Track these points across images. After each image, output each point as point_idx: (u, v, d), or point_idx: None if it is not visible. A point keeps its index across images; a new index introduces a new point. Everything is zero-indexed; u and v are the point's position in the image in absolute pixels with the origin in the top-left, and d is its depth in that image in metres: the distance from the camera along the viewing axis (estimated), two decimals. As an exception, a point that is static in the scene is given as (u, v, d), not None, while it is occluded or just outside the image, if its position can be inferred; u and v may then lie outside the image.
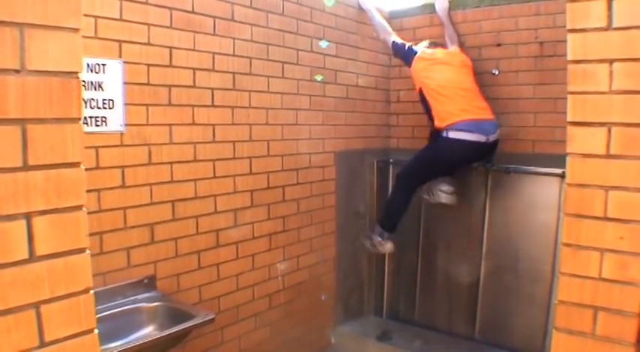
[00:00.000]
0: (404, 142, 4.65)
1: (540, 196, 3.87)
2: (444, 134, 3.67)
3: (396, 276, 4.71)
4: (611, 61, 1.60)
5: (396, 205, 4.00)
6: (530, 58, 4.07)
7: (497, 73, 4.22)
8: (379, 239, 4.00)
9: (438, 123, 3.73)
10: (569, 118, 1.68)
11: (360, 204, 4.43)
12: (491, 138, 3.66)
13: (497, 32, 4.23)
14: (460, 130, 3.61)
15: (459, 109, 3.65)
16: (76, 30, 1.16)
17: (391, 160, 4.60)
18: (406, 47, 4.00)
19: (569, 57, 1.67)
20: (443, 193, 4.02)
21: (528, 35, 4.07)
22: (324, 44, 3.81)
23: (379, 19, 4.19)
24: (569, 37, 1.67)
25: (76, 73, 1.15)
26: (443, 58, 3.89)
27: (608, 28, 1.60)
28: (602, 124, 1.62)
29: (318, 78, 3.78)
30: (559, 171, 3.52)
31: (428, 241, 4.51)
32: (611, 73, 1.60)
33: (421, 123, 4.53)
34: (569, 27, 1.67)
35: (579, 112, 1.66)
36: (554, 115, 3.88)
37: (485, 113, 3.72)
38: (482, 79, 4.27)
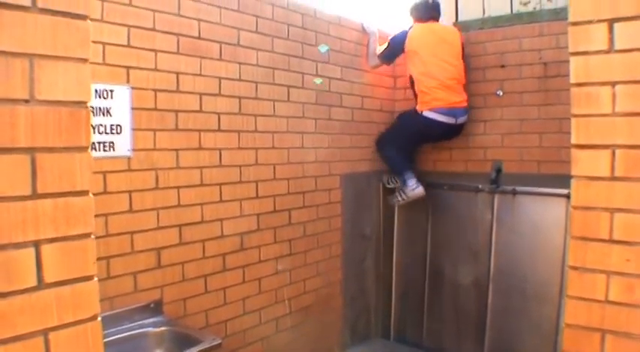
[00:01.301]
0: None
1: (547, 217, 3.86)
2: (420, 112, 4.12)
3: (403, 299, 4.68)
4: (613, 84, 1.62)
5: (392, 157, 4.31)
6: (535, 79, 4.09)
7: (501, 94, 4.24)
8: (408, 184, 4.20)
9: (419, 107, 4.15)
10: (573, 141, 1.68)
11: (367, 227, 4.43)
12: (459, 120, 4.13)
13: (501, 53, 4.27)
14: (434, 112, 4.06)
15: (438, 98, 4.06)
16: (84, 60, 1.18)
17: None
18: (391, 45, 4.21)
19: (572, 80, 1.69)
20: (411, 191, 4.20)
21: (532, 56, 4.10)
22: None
23: (376, 46, 4.27)
24: (572, 60, 1.69)
25: (85, 102, 1.18)
26: (436, 44, 4.12)
27: (610, 50, 1.62)
28: (606, 147, 1.63)
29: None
30: (565, 191, 3.51)
31: (435, 263, 4.49)
32: (614, 96, 1.61)
33: (427, 145, 4.55)
34: (571, 50, 1.69)
35: (583, 135, 1.67)
36: (559, 135, 3.89)
37: (459, 102, 4.12)
38: (487, 101, 4.30)
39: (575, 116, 1.69)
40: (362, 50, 4.27)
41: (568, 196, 3.25)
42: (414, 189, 4.17)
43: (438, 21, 4.25)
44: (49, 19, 1.15)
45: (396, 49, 4.19)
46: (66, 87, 1.15)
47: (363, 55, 4.29)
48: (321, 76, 3.83)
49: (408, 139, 4.33)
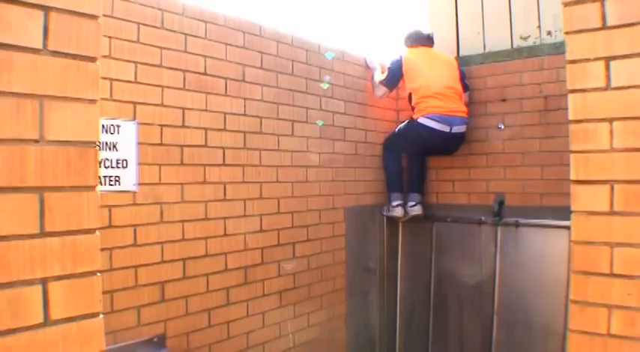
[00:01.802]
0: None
1: (550, 249, 3.86)
2: (416, 119, 4.21)
3: (407, 332, 4.65)
4: (611, 120, 1.64)
5: (392, 166, 4.44)
6: (536, 112, 4.14)
7: (502, 127, 4.28)
8: (392, 203, 4.39)
9: (415, 115, 4.25)
10: (572, 177, 1.71)
11: (371, 260, 4.43)
12: (454, 129, 4.16)
13: (502, 87, 4.32)
14: (429, 119, 4.14)
15: (434, 106, 4.16)
16: (93, 101, 1.22)
17: (400, 215, 4.61)
18: (390, 70, 4.33)
19: (571, 117, 1.72)
20: (392, 209, 4.39)
21: (533, 90, 4.15)
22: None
23: (379, 77, 4.35)
24: (570, 97, 1.73)
25: (94, 142, 1.21)
26: (429, 62, 4.31)
27: (607, 88, 1.65)
28: (604, 182, 1.65)
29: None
30: (567, 223, 3.49)
31: (439, 295, 4.48)
32: (611, 132, 1.64)
33: (429, 176, 4.58)
34: (569, 87, 1.73)
35: (582, 171, 1.69)
36: (561, 168, 3.90)
37: (456, 110, 4.20)
38: (489, 134, 4.33)
39: (574, 152, 1.72)
40: (366, 85, 4.34)
41: (570, 228, 3.30)
42: (394, 207, 4.37)
43: (431, 48, 4.41)
44: (60, 61, 1.19)
45: (395, 72, 4.29)
46: (75, 127, 1.18)
47: (369, 89, 4.35)
48: (324, 111, 3.89)
49: (404, 146, 4.41)
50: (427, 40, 4.42)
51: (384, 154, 4.50)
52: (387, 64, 4.35)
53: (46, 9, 1.17)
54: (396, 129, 4.47)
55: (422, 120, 4.16)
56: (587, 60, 1.69)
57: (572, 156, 1.72)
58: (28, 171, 1.12)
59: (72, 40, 1.21)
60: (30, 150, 1.13)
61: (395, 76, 4.31)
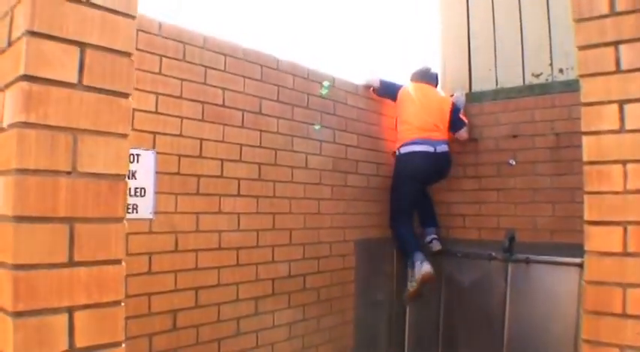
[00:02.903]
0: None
1: (561, 285, 3.83)
2: (398, 153, 4.31)
3: (416, 367, 4.62)
4: (624, 162, 1.67)
5: (402, 235, 4.30)
6: (547, 149, 4.16)
7: (514, 163, 4.31)
8: (417, 265, 4.08)
9: (395, 147, 4.35)
10: (586, 217, 1.73)
11: (380, 292, 4.42)
12: (439, 149, 4.24)
13: (513, 124, 4.36)
14: (409, 145, 4.23)
15: (413, 134, 4.25)
16: (124, 135, 1.27)
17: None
18: (388, 86, 4.39)
19: (585, 158, 1.75)
20: (419, 269, 4.12)
21: (544, 127, 4.19)
22: (317, 127, 3.88)
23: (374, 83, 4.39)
24: (584, 139, 1.76)
25: (123, 175, 1.25)
26: (422, 98, 4.36)
27: (621, 130, 1.68)
28: (618, 223, 1.67)
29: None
30: (578, 260, 3.51)
31: (448, 330, 4.44)
32: (625, 174, 1.67)
33: (440, 210, 4.60)
34: (584, 129, 1.76)
35: (596, 212, 1.72)
36: (572, 205, 3.92)
37: (435, 135, 4.28)
38: (500, 170, 4.36)
39: (588, 193, 1.74)
40: (379, 119, 4.38)
41: (581, 265, 3.29)
42: (422, 264, 4.08)
43: (434, 86, 4.49)
44: (94, 96, 1.24)
45: (390, 90, 4.38)
46: (106, 160, 1.23)
47: (381, 122, 4.40)
48: (338, 144, 3.94)
49: (405, 193, 4.34)
50: (430, 79, 4.51)
51: (393, 228, 4.39)
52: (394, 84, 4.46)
53: (82, 45, 1.23)
54: (391, 193, 4.41)
55: (404, 149, 4.26)
56: (601, 102, 1.72)
57: (586, 197, 1.74)
58: (59, 202, 1.16)
59: (106, 76, 1.26)
60: (62, 182, 1.17)
61: (388, 91, 4.39)
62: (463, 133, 4.47)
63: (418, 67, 4.59)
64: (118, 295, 1.23)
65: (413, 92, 4.37)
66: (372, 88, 4.34)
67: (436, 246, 4.40)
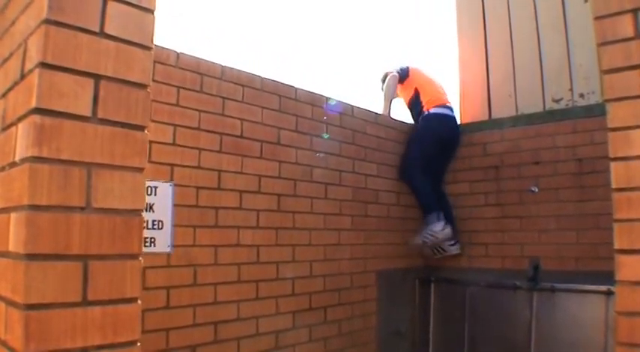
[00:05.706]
0: (444, 259, 4.60)
1: (587, 313, 3.71)
2: (427, 113, 4.56)
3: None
4: (655, 189, 1.61)
5: (422, 187, 4.40)
6: (570, 175, 4.09)
7: (536, 190, 4.23)
8: (436, 226, 4.32)
9: (426, 107, 4.58)
10: (616, 246, 1.66)
11: (402, 324, 4.32)
12: (454, 114, 4.70)
13: (534, 150, 4.30)
14: (440, 107, 4.58)
15: (441, 100, 4.65)
16: (140, 169, 1.24)
17: (432, 278, 4.53)
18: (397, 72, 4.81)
19: (613, 185, 1.69)
20: (450, 246, 4.49)
21: (566, 153, 4.12)
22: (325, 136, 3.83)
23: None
24: (612, 165, 1.70)
25: (139, 210, 1.22)
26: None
27: (650, 156, 1.63)
28: (650, 251, 1.60)
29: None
30: (604, 288, 3.41)
31: (474, 364, 4.33)
32: (656, 200, 1.61)
33: (462, 239, 4.52)
34: (611, 155, 1.71)
35: (626, 240, 1.65)
36: (596, 232, 3.83)
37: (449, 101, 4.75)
38: (522, 197, 4.29)
39: (617, 221, 1.68)
40: (400, 148, 4.35)
41: (607, 293, 3.21)
42: (443, 229, 4.33)
43: None
44: (108, 130, 1.22)
45: (402, 75, 4.79)
46: (122, 195, 1.20)
47: (401, 151, 4.37)
48: (357, 173, 3.90)
49: (428, 152, 4.46)
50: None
51: (408, 179, 4.42)
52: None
53: (96, 77, 1.21)
54: (411, 145, 4.48)
55: (434, 110, 4.55)
56: (629, 127, 1.67)
57: (615, 224, 1.68)
58: (73, 239, 1.13)
59: (121, 109, 1.24)
60: (76, 218, 1.14)
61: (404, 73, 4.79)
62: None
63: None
64: (134, 334, 1.19)
65: (421, 70, 4.85)
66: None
67: (456, 249, 4.50)
